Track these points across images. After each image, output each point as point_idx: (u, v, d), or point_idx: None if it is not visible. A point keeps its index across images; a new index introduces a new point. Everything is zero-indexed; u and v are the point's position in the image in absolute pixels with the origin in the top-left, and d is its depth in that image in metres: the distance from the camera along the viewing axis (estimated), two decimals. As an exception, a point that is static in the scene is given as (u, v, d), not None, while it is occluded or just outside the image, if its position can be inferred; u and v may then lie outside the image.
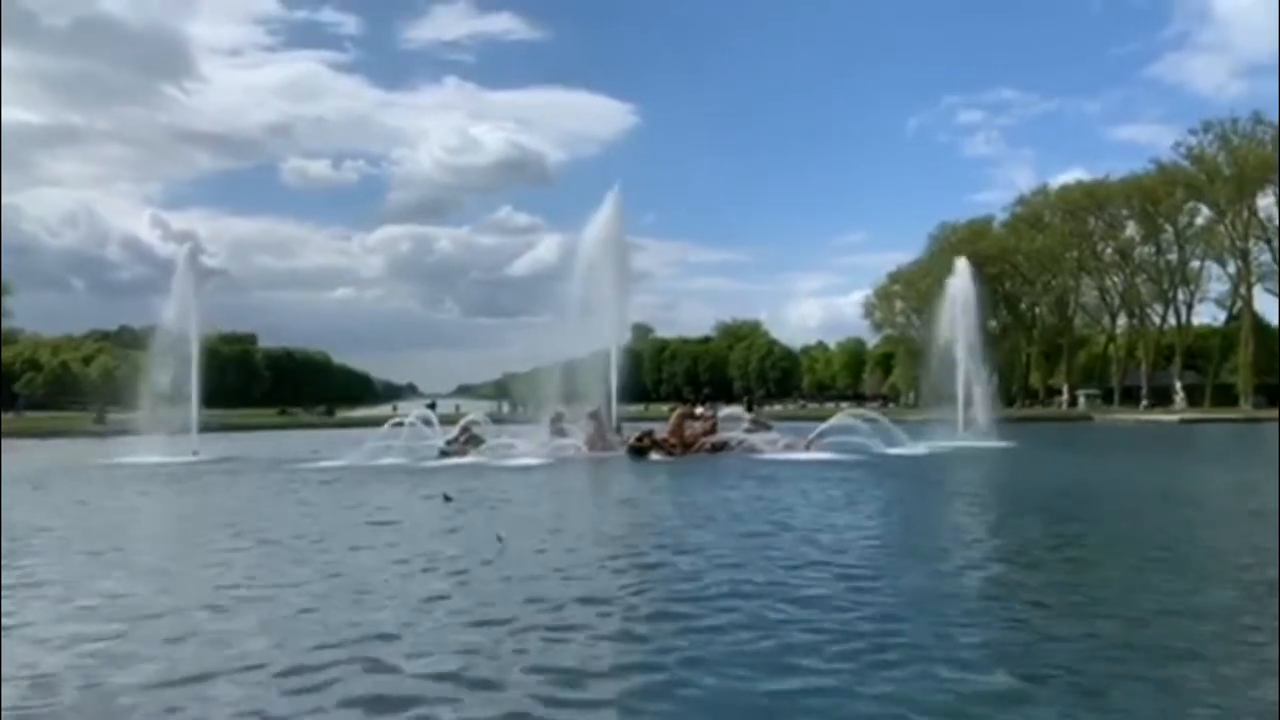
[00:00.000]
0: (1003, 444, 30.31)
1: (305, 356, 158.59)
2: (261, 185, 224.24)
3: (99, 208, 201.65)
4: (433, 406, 40.74)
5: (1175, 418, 59.36)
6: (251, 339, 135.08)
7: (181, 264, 32.25)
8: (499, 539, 10.95)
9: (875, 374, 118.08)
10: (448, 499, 15.64)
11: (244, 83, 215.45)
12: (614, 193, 31.36)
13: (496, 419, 33.01)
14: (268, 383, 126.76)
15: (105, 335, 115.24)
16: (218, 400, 55.80)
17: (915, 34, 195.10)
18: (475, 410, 36.24)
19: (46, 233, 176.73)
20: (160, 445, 27.23)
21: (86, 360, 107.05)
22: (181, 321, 30.78)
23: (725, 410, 34.04)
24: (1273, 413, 63.87)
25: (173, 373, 29.57)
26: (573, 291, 30.96)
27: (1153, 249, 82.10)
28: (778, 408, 79.06)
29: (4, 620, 7.12)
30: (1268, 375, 74.99)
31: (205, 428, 31.28)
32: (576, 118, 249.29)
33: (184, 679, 5.73)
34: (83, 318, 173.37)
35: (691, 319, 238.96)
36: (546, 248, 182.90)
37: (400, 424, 30.86)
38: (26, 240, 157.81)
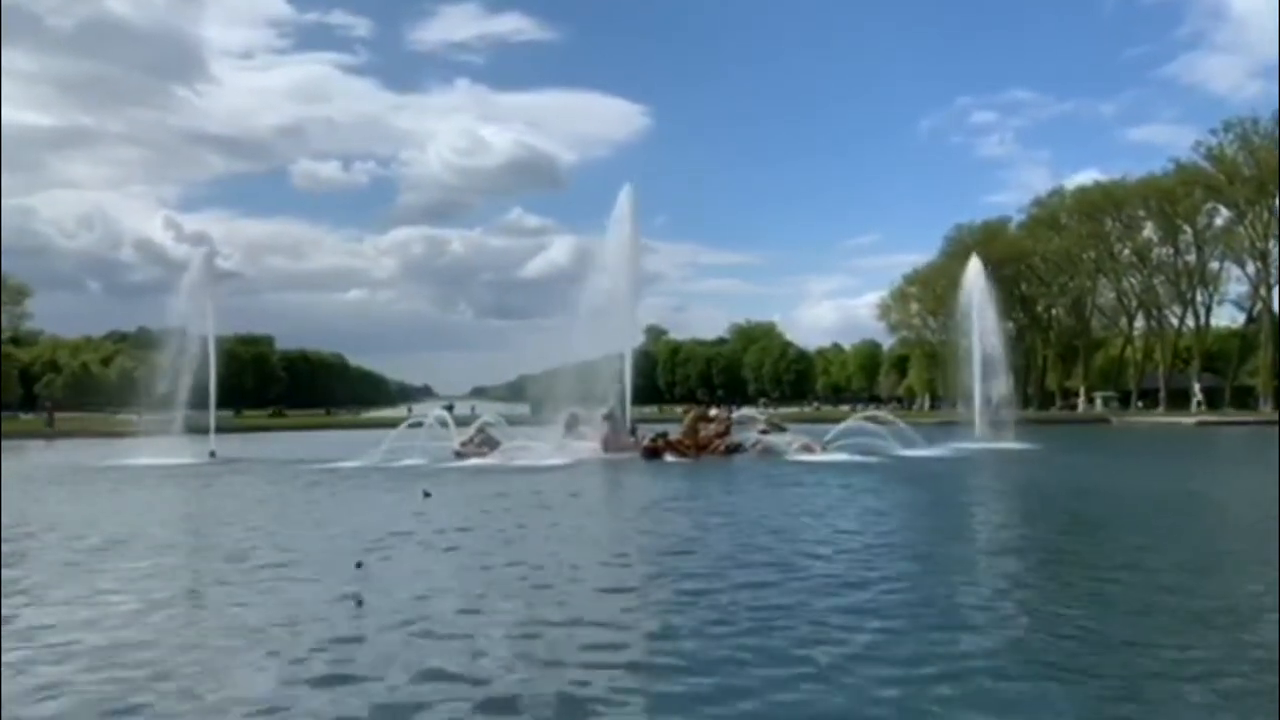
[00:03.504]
0: (1023, 446, 30.10)
1: (321, 358, 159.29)
2: (274, 187, 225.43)
3: (113, 210, 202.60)
4: (450, 409, 40.84)
5: (1193, 420, 58.87)
6: (268, 341, 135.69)
7: (195, 268, 32.25)
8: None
9: (890, 376, 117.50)
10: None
11: (255, 85, 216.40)
12: (627, 192, 31.11)
13: (512, 420, 33.04)
14: (283, 385, 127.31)
15: (124, 337, 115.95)
16: (233, 402, 56.19)
17: (928, 35, 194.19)
18: (490, 412, 36.32)
19: (61, 235, 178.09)
20: (176, 446, 27.37)
21: (105, 361, 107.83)
22: (195, 324, 30.79)
23: (739, 412, 34.06)
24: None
25: (186, 374, 29.53)
26: (586, 293, 30.97)
27: (1171, 250, 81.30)
28: (792, 410, 79.03)
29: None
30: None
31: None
32: (587, 119, 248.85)
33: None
34: (99, 319, 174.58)
35: (703, 321, 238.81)
36: (558, 250, 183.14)
37: (417, 424, 31.02)
38: (41, 242, 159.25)
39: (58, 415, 55.41)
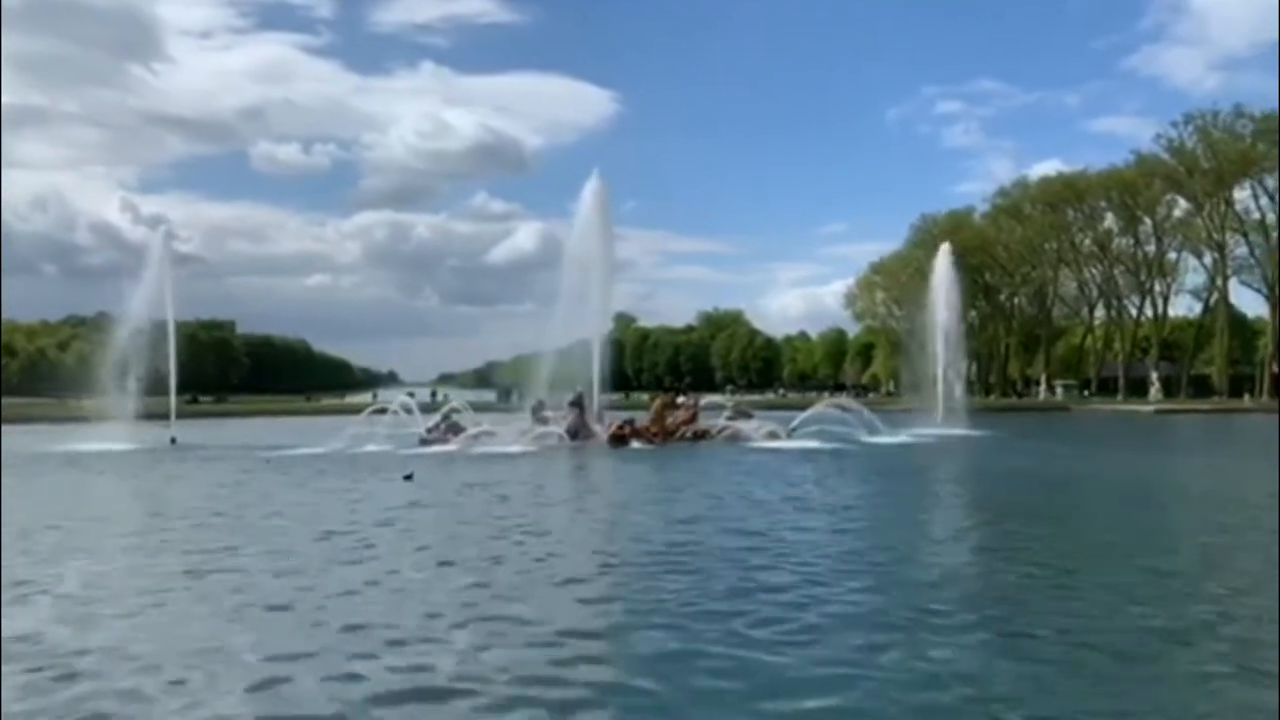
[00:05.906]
0: (982, 433, 30.64)
1: (285, 344, 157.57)
2: (235, 169, 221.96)
3: (69, 191, 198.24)
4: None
5: (1151, 408, 60.01)
6: (230, 326, 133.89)
7: (155, 249, 31.51)
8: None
9: (856, 364, 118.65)
10: (408, 478, 16.21)
11: (215, 65, 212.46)
12: (597, 179, 30.81)
13: (479, 407, 32.93)
14: (245, 370, 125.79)
15: (82, 321, 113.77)
16: (195, 388, 55.25)
17: (895, 25, 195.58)
18: (458, 399, 36.17)
19: (15, 217, 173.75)
20: (136, 432, 26.96)
21: (62, 346, 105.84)
22: (154, 308, 30.19)
23: (706, 399, 34.25)
24: (1243, 402, 64.98)
25: (145, 359, 28.98)
26: (556, 280, 30.84)
27: (1131, 241, 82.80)
28: (758, 397, 79.45)
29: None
30: (1242, 366, 76.02)
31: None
32: (555, 104, 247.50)
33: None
34: (55, 303, 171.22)
35: (671, 308, 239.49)
36: (525, 236, 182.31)
37: (381, 411, 30.83)
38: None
39: (8, 400, 54.33)
